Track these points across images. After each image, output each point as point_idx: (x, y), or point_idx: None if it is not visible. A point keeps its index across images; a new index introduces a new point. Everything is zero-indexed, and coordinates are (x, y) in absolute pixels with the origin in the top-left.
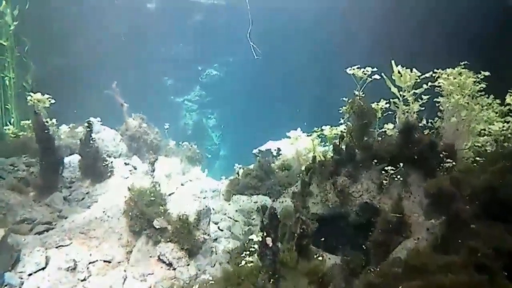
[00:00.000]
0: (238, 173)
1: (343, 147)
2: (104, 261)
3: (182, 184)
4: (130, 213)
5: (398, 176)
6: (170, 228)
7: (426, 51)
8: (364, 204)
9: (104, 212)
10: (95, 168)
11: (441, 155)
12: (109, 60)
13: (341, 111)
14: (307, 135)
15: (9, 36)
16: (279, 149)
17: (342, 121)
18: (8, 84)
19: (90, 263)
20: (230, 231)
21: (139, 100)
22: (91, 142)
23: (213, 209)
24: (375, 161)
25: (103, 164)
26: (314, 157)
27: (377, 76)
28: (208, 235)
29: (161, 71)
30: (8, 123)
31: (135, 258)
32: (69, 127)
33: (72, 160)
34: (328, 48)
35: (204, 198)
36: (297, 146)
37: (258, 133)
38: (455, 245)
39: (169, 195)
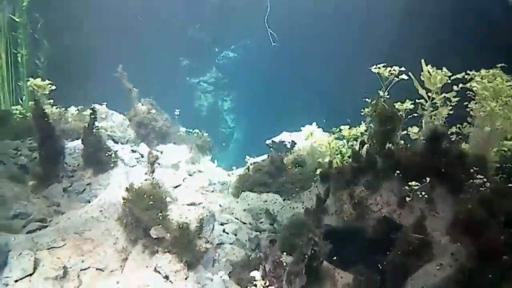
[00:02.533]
0: (248, 168)
1: (363, 153)
2: (97, 269)
3: (190, 175)
4: (124, 220)
5: (423, 193)
6: (168, 237)
7: (455, 49)
8: (383, 219)
9: (101, 211)
10: (98, 157)
11: (471, 170)
12: (124, 40)
13: (362, 114)
14: (324, 131)
15: (22, 13)
16: (293, 142)
17: (363, 123)
18: (20, 61)
19: (81, 270)
20: (235, 235)
21: (155, 81)
22: (94, 130)
23: (220, 205)
24: (398, 171)
25: (107, 154)
26: (330, 162)
27: (404, 76)
28: (211, 243)
29: (177, 52)
30: (20, 100)
31: (129, 268)
32: (77, 110)
33: (78, 145)
34: (352, 38)
35: (212, 191)
36: (311, 141)
37: (273, 119)
38: (485, 281)
39: (175, 187)
